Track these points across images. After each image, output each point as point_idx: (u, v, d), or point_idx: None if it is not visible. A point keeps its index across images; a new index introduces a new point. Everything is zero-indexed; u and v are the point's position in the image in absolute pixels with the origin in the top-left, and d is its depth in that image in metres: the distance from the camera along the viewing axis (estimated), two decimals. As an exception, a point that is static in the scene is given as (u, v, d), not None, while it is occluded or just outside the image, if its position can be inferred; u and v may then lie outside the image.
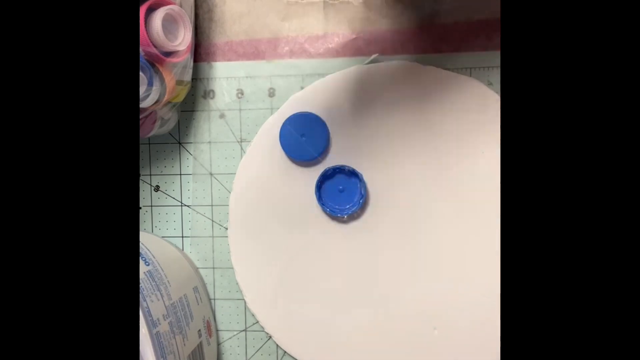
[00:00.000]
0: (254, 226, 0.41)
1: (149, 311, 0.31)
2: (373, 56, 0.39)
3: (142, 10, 0.32)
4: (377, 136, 0.39)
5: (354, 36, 0.39)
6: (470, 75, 0.38)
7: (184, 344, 0.35)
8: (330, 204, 0.39)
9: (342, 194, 0.39)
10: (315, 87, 0.39)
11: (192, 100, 0.41)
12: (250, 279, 0.41)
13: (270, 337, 0.41)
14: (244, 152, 0.41)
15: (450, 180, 0.38)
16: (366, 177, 0.39)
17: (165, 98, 0.35)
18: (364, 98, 0.39)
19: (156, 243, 0.39)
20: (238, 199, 0.41)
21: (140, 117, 0.35)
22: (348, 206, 0.39)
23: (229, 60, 0.41)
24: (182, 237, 0.42)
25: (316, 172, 0.39)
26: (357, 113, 0.39)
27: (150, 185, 0.42)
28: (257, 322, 0.41)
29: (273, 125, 0.40)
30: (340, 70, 0.39)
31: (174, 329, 0.34)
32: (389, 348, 0.39)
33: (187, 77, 0.38)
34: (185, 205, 0.42)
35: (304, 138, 0.38)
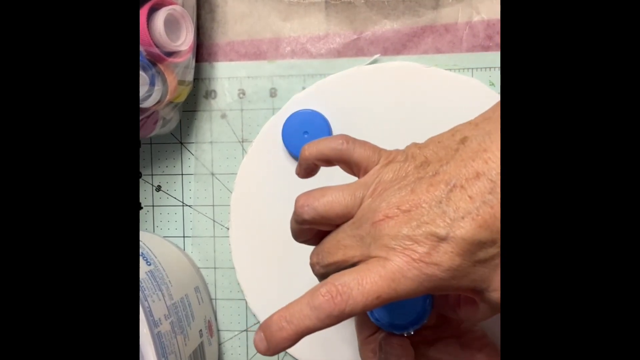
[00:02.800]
0: (255, 226, 0.40)
1: (150, 311, 0.31)
2: (374, 57, 0.39)
3: (144, 10, 0.33)
4: (378, 137, 0.39)
5: (355, 36, 0.39)
6: (472, 76, 0.38)
7: (185, 344, 0.35)
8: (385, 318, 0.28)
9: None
10: (317, 88, 0.39)
11: (193, 100, 0.41)
12: (251, 279, 0.41)
13: (270, 339, 0.41)
14: (246, 152, 0.41)
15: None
16: None
17: (167, 98, 0.35)
18: (366, 99, 0.39)
19: (157, 243, 0.39)
20: (239, 199, 0.41)
21: (142, 117, 0.35)
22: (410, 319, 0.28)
23: (231, 60, 0.41)
24: (184, 237, 0.42)
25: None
26: (359, 114, 0.39)
27: (152, 185, 0.42)
28: (258, 322, 0.41)
29: (274, 125, 0.40)
30: (342, 71, 0.39)
31: (175, 328, 0.34)
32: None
33: (189, 77, 0.38)
34: (187, 205, 0.42)
35: (307, 135, 0.38)
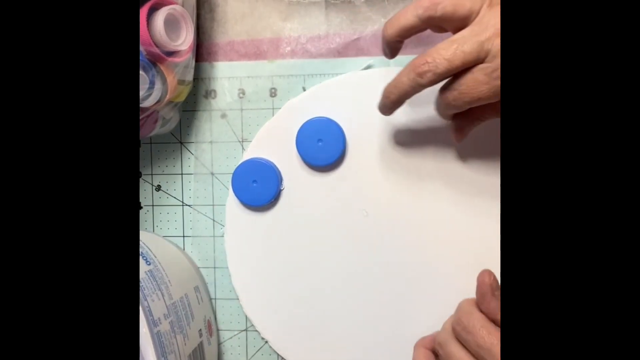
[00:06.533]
0: (250, 231, 0.40)
1: (149, 310, 0.31)
2: (368, 62, 0.39)
3: (144, 10, 0.32)
4: (385, 138, 0.38)
5: (355, 36, 0.39)
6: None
7: (185, 344, 0.35)
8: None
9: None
10: (311, 93, 0.39)
11: (193, 100, 0.41)
12: (247, 284, 0.41)
13: (266, 341, 0.41)
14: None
15: (449, 185, 0.38)
16: (370, 180, 0.39)
17: (167, 98, 0.35)
18: (363, 103, 0.38)
19: (157, 242, 0.39)
20: (234, 202, 0.41)
21: (142, 116, 0.35)
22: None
23: (231, 60, 0.41)
24: (183, 236, 0.42)
25: (311, 176, 0.39)
26: (355, 119, 0.39)
27: (152, 184, 0.42)
28: (254, 325, 0.41)
29: (270, 128, 0.40)
30: (337, 76, 0.39)
31: (175, 328, 0.34)
32: (384, 352, 0.39)
33: (189, 76, 0.38)
34: (187, 205, 0.42)
35: (321, 143, 0.38)
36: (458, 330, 0.31)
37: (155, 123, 0.38)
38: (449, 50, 0.28)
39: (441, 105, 0.31)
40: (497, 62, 0.27)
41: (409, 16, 0.30)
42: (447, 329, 0.33)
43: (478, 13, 0.29)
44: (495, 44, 0.27)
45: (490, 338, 0.29)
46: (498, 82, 0.28)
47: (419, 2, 0.30)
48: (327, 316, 0.40)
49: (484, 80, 0.28)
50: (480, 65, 0.28)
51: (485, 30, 0.28)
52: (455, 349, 0.31)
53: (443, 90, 0.30)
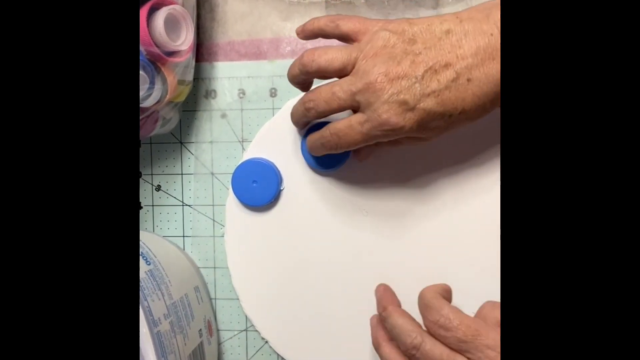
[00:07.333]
0: (250, 231, 0.40)
1: (150, 310, 0.31)
2: None
3: (145, 10, 0.33)
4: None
5: (355, 36, 0.39)
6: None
7: (185, 344, 0.35)
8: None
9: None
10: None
11: (193, 100, 0.41)
12: (247, 284, 0.41)
13: (266, 341, 0.41)
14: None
15: (450, 185, 0.38)
16: (370, 180, 0.39)
17: (167, 98, 0.35)
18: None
19: (157, 242, 0.39)
20: (234, 202, 0.41)
21: (142, 116, 0.35)
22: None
23: (231, 60, 0.41)
24: (183, 236, 0.42)
25: (311, 176, 0.39)
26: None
27: (152, 184, 0.42)
28: (253, 325, 0.41)
29: (270, 128, 0.40)
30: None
31: (175, 328, 0.34)
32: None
33: (189, 76, 0.38)
34: (187, 205, 0.42)
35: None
36: (434, 329, 0.30)
37: (156, 123, 0.38)
38: (327, 94, 0.31)
39: (320, 145, 0.34)
40: (368, 114, 0.30)
41: (295, 68, 0.33)
42: (410, 329, 0.31)
43: (354, 64, 0.31)
44: (364, 98, 0.29)
45: (470, 330, 0.29)
46: (370, 133, 0.30)
47: (301, 56, 0.32)
48: (327, 316, 0.40)
49: (357, 129, 0.30)
50: (356, 115, 0.31)
51: (358, 82, 0.30)
52: (434, 346, 0.30)
53: (325, 131, 0.33)
